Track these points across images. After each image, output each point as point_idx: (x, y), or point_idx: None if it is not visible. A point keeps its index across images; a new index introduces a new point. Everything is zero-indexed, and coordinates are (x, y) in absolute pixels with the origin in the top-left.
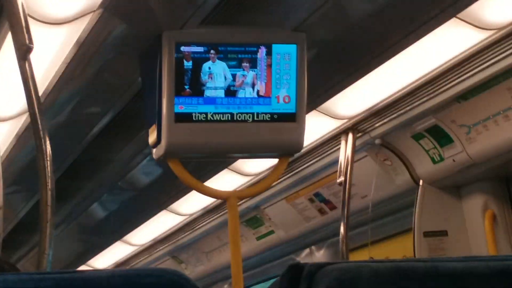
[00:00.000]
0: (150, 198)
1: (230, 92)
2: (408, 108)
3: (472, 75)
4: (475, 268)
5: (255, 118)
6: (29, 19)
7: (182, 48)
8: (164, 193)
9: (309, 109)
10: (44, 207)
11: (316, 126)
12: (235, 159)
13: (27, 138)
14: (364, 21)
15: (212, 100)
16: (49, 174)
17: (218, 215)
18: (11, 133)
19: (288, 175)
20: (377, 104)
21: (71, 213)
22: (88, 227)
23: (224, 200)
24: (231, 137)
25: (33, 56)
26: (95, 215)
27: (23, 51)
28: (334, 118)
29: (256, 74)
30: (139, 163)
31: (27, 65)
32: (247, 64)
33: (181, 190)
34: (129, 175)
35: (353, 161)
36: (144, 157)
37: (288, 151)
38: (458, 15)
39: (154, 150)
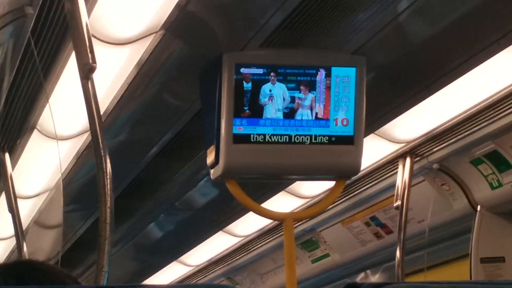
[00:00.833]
0: (207, 219)
1: (289, 114)
2: (467, 133)
3: None
4: None
5: (313, 140)
6: (92, 39)
7: (242, 70)
8: (220, 214)
9: (367, 132)
10: (103, 224)
11: (373, 150)
12: (292, 181)
13: (87, 157)
14: (424, 45)
15: (270, 122)
16: (109, 192)
17: (273, 237)
18: (71, 152)
19: (344, 198)
20: (436, 128)
21: (128, 232)
22: (145, 247)
23: (280, 221)
24: (289, 159)
25: (95, 76)
26: (151, 234)
27: (86, 70)
28: (392, 141)
29: (315, 96)
30: (197, 183)
31: (89, 84)
32: (306, 87)
33: (238, 211)
34: (187, 196)
35: (410, 185)
36: (202, 178)
37: (345, 174)
38: None
39: (212, 171)
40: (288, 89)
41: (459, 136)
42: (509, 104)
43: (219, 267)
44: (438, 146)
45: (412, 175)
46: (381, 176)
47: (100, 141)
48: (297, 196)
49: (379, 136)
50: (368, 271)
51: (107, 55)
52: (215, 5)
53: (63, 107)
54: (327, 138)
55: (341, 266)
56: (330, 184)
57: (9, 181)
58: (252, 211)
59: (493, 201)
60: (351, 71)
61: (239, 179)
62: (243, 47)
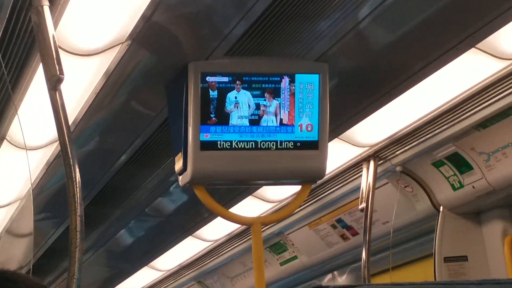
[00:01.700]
0: (176, 224)
1: (254, 120)
2: (428, 136)
3: (491, 104)
4: None
5: (279, 146)
6: (60, 50)
7: (208, 78)
8: (189, 220)
9: (331, 137)
10: (73, 232)
11: (338, 154)
12: (259, 186)
13: (56, 166)
14: (385, 51)
15: (236, 129)
16: (79, 201)
17: (242, 241)
18: (41, 161)
19: (310, 202)
20: (398, 132)
21: (99, 239)
22: (116, 253)
23: (248, 226)
24: (255, 165)
25: (63, 87)
26: (122, 241)
27: (54, 81)
28: (355, 145)
29: (280, 103)
30: (166, 190)
31: (57, 95)
32: (271, 94)
33: (206, 217)
34: (156, 202)
35: (374, 188)
36: (171, 185)
37: (311, 178)
38: (477, 46)
39: (180, 177)
40: (253, 96)
41: (421, 139)
42: (469, 107)
43: (190, 272)
44: (400, 149)
45: (376, 178)
46: (346, 180)
47: (69, 150)
48: (265, 201)
49: (343, 140)
50: (335, 272)
51: (75, 66)
52: (180, 15)
53: (32, 118)
54: (292, 143)
55: (309, 268)
56: (297, 188)
57: None
58: (221, 216)
59: (455, 201)
60: (314, 77)
61: (207, 185)
62: (209, 56)
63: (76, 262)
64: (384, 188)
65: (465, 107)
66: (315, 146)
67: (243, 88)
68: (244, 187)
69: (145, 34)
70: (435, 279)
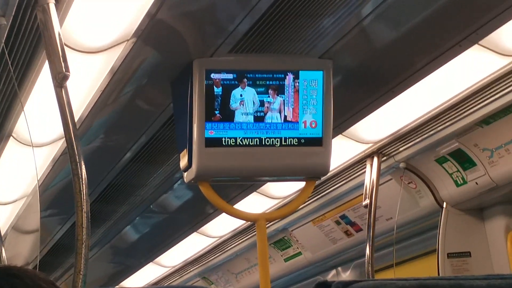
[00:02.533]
0: (181, 221)
1: (259, 117)
2: (431, 132)
3: (494, 100)
4: (497, 286)
5: (283, 143)
6: (65, 48)
7: (212, 75)
8: (194, 216)
9: (335, 134)
10: (79, 229)
11: (342, 150)
12: (264, 182)
13: (62, 163)
14: (388, 48)
15: (241, 125)
16: (85, 197)
17: (247, 237)
18: (47, 158)
19: (315, 198)
20: (402, 128)
21: (104, 235)
22: (121, 249)
23: (253, 222)
24: (260, 161)
25: (69, 84)
26: (127, 237)
27: (60, 79)
28: (359, 142)
29: (284, 100)
30: (171, 187)
31: (63, 92)
32: (275, 90)
33: (211, 213)
34: (161, 199)
35: (378, 184)
36: (176, 181)
37: (315, 175)
38: (480, 42)
39: (185, 174)
40: (258, 93)
41: (424, 136)
42: (472, 104)
43: (195, 268)
44: (404, 145)
45: (379, 174)
46: (350, 176)
47: (75, 147)
48: (269, 197)
49: (347, 137)
50: (339, 268)
51: (80, 63)
52: (185, 13)
53: (38, 115)
54: (297, 140)
55: (313, 264)
56: (301, 184)
57: None
58: (225, 212)
59: (458, 198)
60: (318, 74)
61: (211, 181)
62: (213, 53)
63: (82, 258)
64: (388, 185)
65: (468, 104)
66: (319, 142)
67: (248, 85)
68: (248, 183)
69: (150, 32)
70: (438, 275)
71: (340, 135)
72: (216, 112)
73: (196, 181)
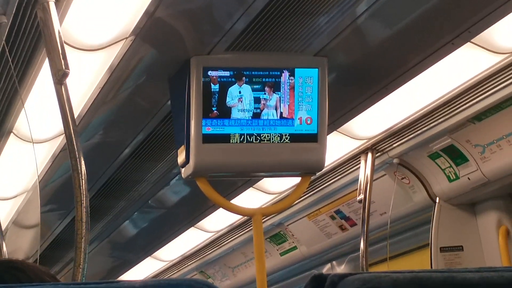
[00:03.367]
0: (179, 216)
1: (255, 114)
2: (424, 128)
3: (486, 97)
4: (490, 278)
5: (279, 139)
6: (65, 46)
7: (209, 73)
8: (192, 211)
9: (330, 130)
10: (79, 223)
11: (336, 146)
12: (260, 178)
13: (62, 159)
14: (382, 46)
15: (237, 122)
16: (84, 192)
17: (243, 232)
18: (47, 154)
19: (310, 193)
20: (395, 125)
21: (103, 230)
22: (120, 244)
23: (249, 217)
24: (256, 157)
25: (69, 81)
26: (126, 232)
27: (60, 76)
28: (354, 138)
29: (280, 97)
30: (169, 182)
31: (63, 89)
32: (271, 88)
33: (208, 208)
34: (159, 194)
35: (372, 180)
36: (173, 177)
37: (310, 170)
38: (472, 40)
39: (182, 170)
40: (254, 90)
41: (417, 132)
42: (464, 101)
43: (192, 262)
44: (397, 141)
45: (373, 170)
46: (344, 172)
47: (74, 143)
48: (265, 192)
49: (341, 133)
50: (334, 262)
51: (80, 61)
52: (182, 11)
53: (38, 112)
54: (292, 136)
55: (308, 258)
56: (296, 180)
57: None
58: (222, 207)
59: (450, 193)
60: (314, 72)
61: (209, 177)
62: (210, 51)
63: (82, 252)
64: (382, 180)
65: (460, 101)
66: (314, 138)
67: (245, 83)
68: (245, 179)
69: (149, 30)
70: (431, 268)
71: (335, 132)
72: (213, 108)
73: (193, 177)
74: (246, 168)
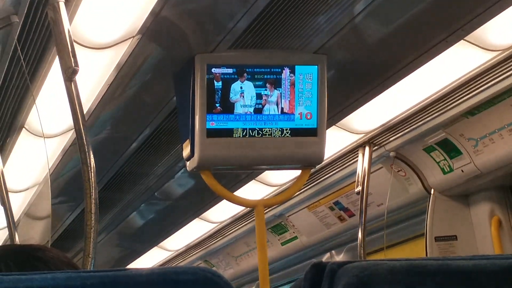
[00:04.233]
0: (184, 207)
1: (257, 109)
2: (420, 123)
3: (479, 93)
4: (483, 266)
5: (280, 133)
6: (74, 44)
7: (213, 70)
8: (196, 203)
9: (329, 125)
10: (88, 215)
11: (335, 140)
12: (261, 170)
13: (72, 153)
14: (379, 44)
15: (240, 117)
16: (93, 185)
17: (246, 222)
18: (58, 148)
19: (310, 185)
20: (392, 119)
21: (111, 221)
22: (128, 234)
23: (251, 208)
24: (258, 151)
25: (78, 78)
26: (133, 223)
27: (69, 73)
28: (352, 132)
29: (281, 93)
30: (174, 175)
31: (73, 86)
32: (272, 84)
33: (213, 200)
34: (165, 186)
35: (369, 172)
36: (179, 170)
37: (310, 163)
38: (466, 38)
39: (187, 163)
40: (256, 86)
41: (413, 126)
42: (458, 96)
43: (197, 251)
44: (394, 135)
45: (371, 163)
46: (343, 165)
47: (84, 138)
48: (267, 185)
49: (340, 128)
50: (333, 252)
51: (89, 58)
52: (187, 11)
53: (49, 108)
54: (293, 130)
55: (308, 247)
56: (297, 172)
57: (0, 177)
58: (226, 199)
59: (445, 185)
60: (313, 69)
61: (213, 170)
62: (214, 49)
63: (91, 243)
64: (379, 173)
65: (454, 96)
66: (314, 133)
67: (247, 79)
68: (247, 171)
69: (154, 29)
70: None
71: (333, 126)
72: (217, 104)
73: (198, 170)
74: (249, 162)
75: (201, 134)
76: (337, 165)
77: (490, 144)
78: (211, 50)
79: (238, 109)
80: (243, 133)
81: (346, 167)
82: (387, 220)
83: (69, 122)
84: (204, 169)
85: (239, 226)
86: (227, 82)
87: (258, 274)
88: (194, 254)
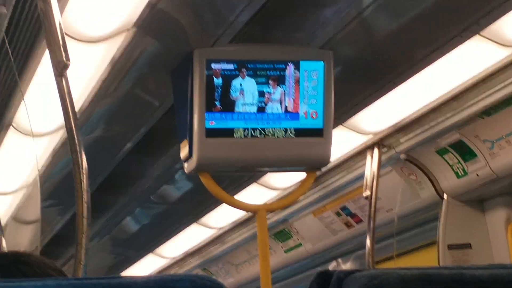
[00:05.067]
0: (181, 212)
1: (259, 108)
2: (432, 123)
3: (495, 92)
4: (499, 275)
5: (283, 133)
6: (66, 37)
7: (213, 65)
8: (195, 207)
9: (335, 125)
10: (80, 219)
11: (342, 141)
12: (264, 173)
13: (62, 154)
14: (389, 39)
15: (241, 116)
16: (85, 187)
17: (247, 228)
18: (47, 148)
19: (315, 189)
20: (402, 119)
21: (104, 226)
22: (121, 240)
23: (253, 213)
24: (260, 152)
25: (69, 73)
26: (128, 228)
27: (60, 68)
28: (360, 133)
29: (284, 90)
30: (171, 177)
31: (64, 81)
32: (275, 81)
33: (212, 204)
34: (161, 189)
35: (378, 176)
36: (176, 172)
37: (315, 166)
38: (481, 33)
39: (185, 164)
40: (258, 83)
41: (425, 127)
42: (473, 95)
43: (195, 259)
44: (405, 137)
45: (380, 165)
46: (350, 167)
47: (75, 137)
48: (269, 188)
49: (347, 128)
50: (339, 260)
51: (81, 52)
52: (185, 2)
53: (38, 105)
54: (297, 131)
55: (313, 255)
56: (302, 175)
57: None
58: (226, 203)
59: (459, 189)
60: (319, 64)
61: (212, 172)
62: (214, 43)
63: (82, 249)
64: (389, 176)
65: (469, 95)
66: (319, 133)
67: (248, 76)
68: (249, 174)
69: (151, 21)
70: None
71: (340, 126)
72: (217, 102)
73: (196, 172)
74: (250, 163)
75: (200, 134)
76: (344, 168)
77: (507, 146)
78: (211, 44)
79: (239, 108)
80: (244, 133)
81: (354, 170)
82: (397, 226)
83: (60, 120)
84: (203, 171)
85: (240, 232)
86: (228, 78)
87: (260, 284)
88: (192, 261)
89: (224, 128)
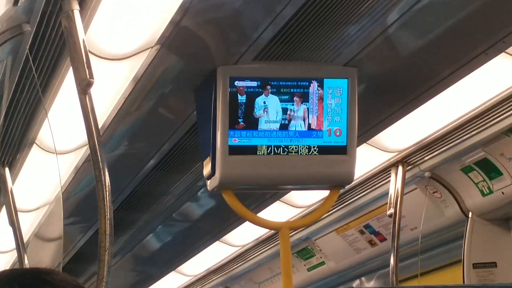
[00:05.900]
0: (204, 229)
1: (282, 125)
2: (457, 141)
3: None
4: None
5: (307, 151)
6: (89, 55)
7: (236, 83)
8: (217, 224)
9: (359, 142)
10: (102, 236)
11: (366, 159)
12: (287, 191)
13: (85, 171)
14: (414, 56)
15: (264, 133)
16: (108, 204)
17: (270, 246)
18: (70, 166)
19: (338, 207)
20: (427, 137)
21: (127, 244)
22: (143, 258)
23: (276, 231)
24: (283, 169)
25: (93, 91)
26: (150, 246)
27: (84, 85)
28: (384, 151)
29: (308, 107)
30: (193, 195)
31: (87, 99)
32: (299, 98)
33: (234, 221)
34: (184, 207)
35: (402, 194)
36: (199, 189)
37: (339, 183)
38: (507, 50)
39: (208, 182)
40: (281, 101)
41: (450, 145)
42: (498, 112)
43: (217, 277)
44: (429, 154)
45: (404, 183)
46: (374, 185)
47: (98, 154)
48: (293, 206)
49: (371, 145)
50: (363, 278)
51: (104, 70)
52: (209, 20)
53: (61, 122)
54: (321, 148)
55: (336, 273)
56: (325, 193)
57: (10, 195)
58: (249, 220)
59: (484, 207)
60: (343, 82)
61: (235, 189)
62: (237, 61)
63: (105, 266)
64: (413, 194)
65: (494, 113)
66: (343, 151)
67: (272, 93)
68: (272, 192)
69: (174, 39)
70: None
71: (364, 144)
72: (240, 120)
73: (219, 189)
74: (273, 181)
75: (223, 151)
76: (368, 186)
77: None
78: (234, 62)
79: (263, 125)
80: (267, 150)
81: (377, 187)
82: (421, 245)
83: (83, 137)
84: (226, 188)
85: (263, 250)
86: (252, 96)
87: None
88: (214, 279)
89: (247, 146)
